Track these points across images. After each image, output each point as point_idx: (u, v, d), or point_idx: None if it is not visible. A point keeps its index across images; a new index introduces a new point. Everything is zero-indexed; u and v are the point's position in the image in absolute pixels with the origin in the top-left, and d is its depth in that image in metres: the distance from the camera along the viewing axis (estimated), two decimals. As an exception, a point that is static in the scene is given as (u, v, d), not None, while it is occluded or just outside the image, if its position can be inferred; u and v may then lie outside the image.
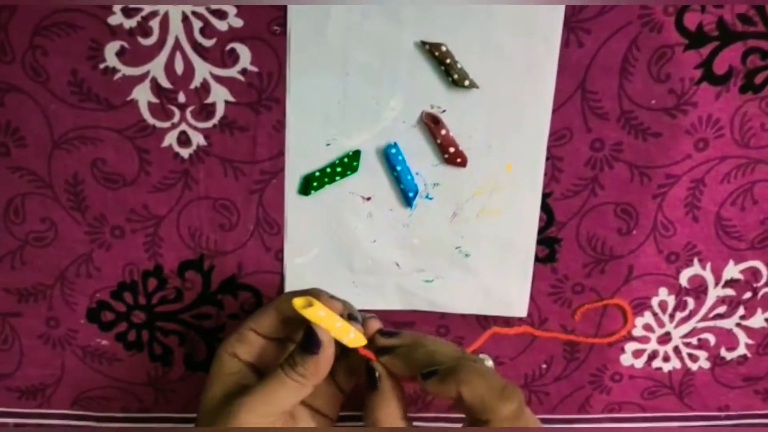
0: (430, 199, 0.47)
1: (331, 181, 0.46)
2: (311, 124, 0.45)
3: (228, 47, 0.44)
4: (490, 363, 0.44)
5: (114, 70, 0.44)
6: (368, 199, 0.47)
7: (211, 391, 0.40)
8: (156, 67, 0.44)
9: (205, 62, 0.44)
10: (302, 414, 0.42)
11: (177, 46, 0.43)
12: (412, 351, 0.39)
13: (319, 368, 0.38)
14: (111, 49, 0.43)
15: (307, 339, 0.38)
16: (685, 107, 0.46)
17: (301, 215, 0.47)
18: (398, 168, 0.46)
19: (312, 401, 0.42)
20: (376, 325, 0.41)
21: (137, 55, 0.44)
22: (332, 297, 0.41)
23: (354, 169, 0.46)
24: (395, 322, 0.51)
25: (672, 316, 0.51)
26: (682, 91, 0.45)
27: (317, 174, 0.46)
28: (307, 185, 0.46)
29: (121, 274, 0.49)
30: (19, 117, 0.45)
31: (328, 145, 0.46)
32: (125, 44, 0.43)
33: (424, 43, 0.44)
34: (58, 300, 0.49)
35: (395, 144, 0.46)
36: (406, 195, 0.47)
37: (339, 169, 0.46)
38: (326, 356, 0.38)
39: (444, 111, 0.46)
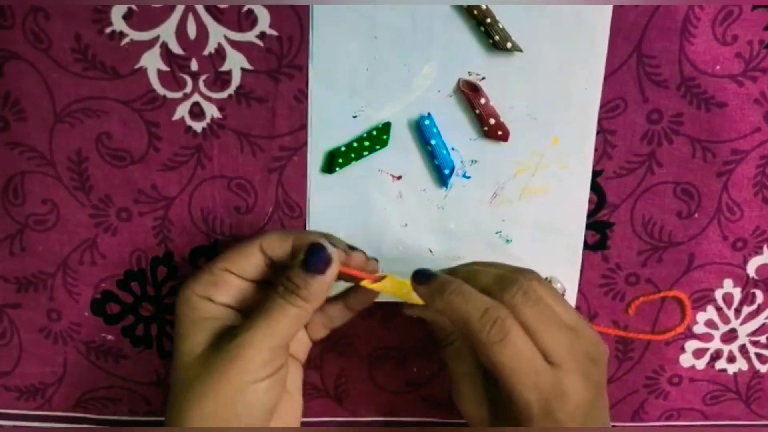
0: (468, 177, 0.44)
1: (358, 157, 0.43)
2: (336, 94, 0.43)
3: (245, 9, 0.41)
4: (558, 285, 0.41)
5: (121, 35, 0.42)
6: (399, 177, 0.44)
7: (190, 340, 0.37)
8: (166, 32, 0.42)
9: (220, 25, 0.41)
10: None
11: (189, 7, 0.41)
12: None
13: (324, 290, 0.36)
14: (118, 11, 0.41)
15: (314, 257, 0.36)
16: (753, 73, 0.43)
17: (324, 195, 0.44)
18: (433, 142, 0.43)
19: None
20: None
21: (146, 18, 0.41)
22: (350, 246, 0.39)
23: (383, 144, 0.43)
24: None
25: (738, 311, 0.48)
26: (751, 55, 0.42)
27: (342, 149, 0.43)
28: (332, 162, 0.43)
29: (127, 262, 0.46)
30: (18, 87, 0.42)
31: (354, 117, 0.43)
32: (133, 6, 0.41)
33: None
34: (60, 290, 0.47)
35: (429, 115, 0.43)
36: (441, 173, 0.44)
37: (367, 144, 0.43)
38: (332, 276, 0.36)
39: (483, 78, 0.43)
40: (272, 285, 0.37)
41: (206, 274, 0.38)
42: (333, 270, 0.36)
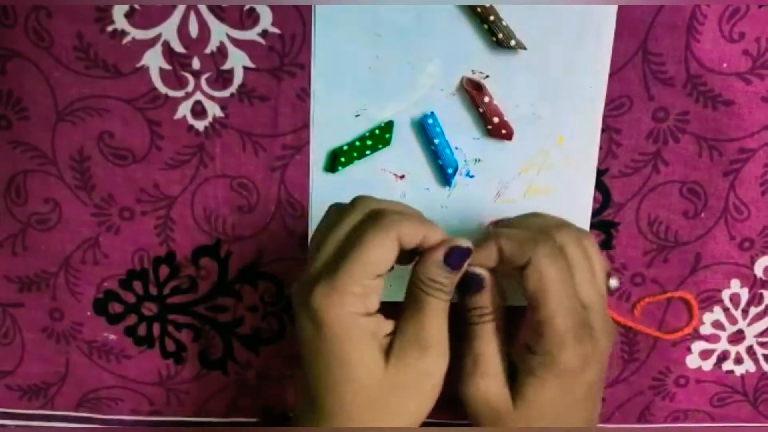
0: (471, 176, 0.44)
1: (361, 156, 0.43)
2: (339, 93, 0.42)
3: (247, 7, 0.41)
4: (613, 282, 0.40)
5: (123, 33, 0.41)
6: (402, 176, 0.44)
7: (366, 362, 0.34)
8: (168, 30, 0.41)
9: (222, 23, 0.41)
10: None
11: (191, 6, 0.41)
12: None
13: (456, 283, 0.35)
14: (120, 10, 0.41)
15: (455, 255, 0.34)
16: (761, 71, 0.42)
17: (327, 195, 0.44)
18: (436, 141, 0.42)
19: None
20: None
21: (148, 17, 0.41)
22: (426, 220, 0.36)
23: (386, 143, 0.43)
24: None
25: (745, 312, 0.47)
26: (758, 52, 0.42)
27: (345, 148, 0.43)
28: (334, 161, 0.43)
29: (130, 261, 0.46)
30: (20, 86, 0.42)
31: (357, 116, 0.43)
32: (135, 5, 0.41)
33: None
34: (62, 289, 0.46)
35: (432, 114, 0.42)
36: (445, 172, 0.43)
37: (369, 143, 0.43)
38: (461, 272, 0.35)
39: (487, 77, 0.42)
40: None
41: (351, 286, 0.33)
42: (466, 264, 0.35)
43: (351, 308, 0.33)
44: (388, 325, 0.35)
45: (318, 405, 0.35)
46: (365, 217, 0.34)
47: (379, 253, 0.33)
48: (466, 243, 0.35)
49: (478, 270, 0.36)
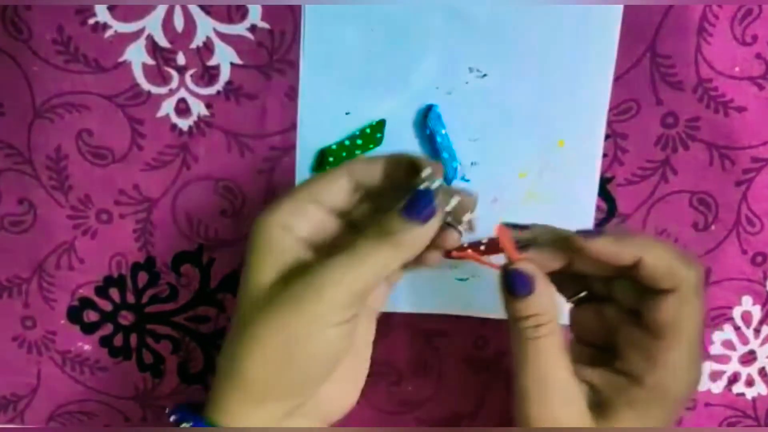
0: (467, 180, 0.42)
1: (350, 156, 0.41)
2: (328, 89, 0.41)
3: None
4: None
5: (105, 27, 0.40)
6: None
7: (260, 272, 0.33)
8: (152, 23, 0.40)
9: (209, 17, 0.40)
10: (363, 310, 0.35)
11: None
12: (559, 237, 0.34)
13: (421, 242, 0.32)
14: (102, 1, 0.40)
15: (418, 203, 0.31)
16: None
17: None
18: (443, 131, 0.41)
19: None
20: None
21: (131, 9, 0.40)
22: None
23: (377, 142, 0.41)
24: (425, 329, 0.45)
25: (757, 331, 0.46)
26: None
27: (334, 147, 0.41)
28: (322, 161, 0.42)
29: (107, 267, 0.44)
30: None
31: (347, 113, 0.41)
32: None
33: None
34: (35, 296, 0.44)
35: (435, 107, 0.41)
36: (448, 169, 0.41)
37: (360, 142, 0.41)
38: (433, 230, 0.32)
39: (485, 75, 0.41)
40: (356, 227, 0.34)
41: (287, 202, 0.34)
42: (435, 224, 0.32)
43: (276, 220, 0.33)
44: (311, 256, 0.34)
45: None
46: None
47: (324, 181, 0.34)
48: (437, 201, 0.31)
49: (526, 267, 0.33)
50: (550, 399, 0.33)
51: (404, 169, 0.33)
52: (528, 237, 0.34)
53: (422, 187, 0.32)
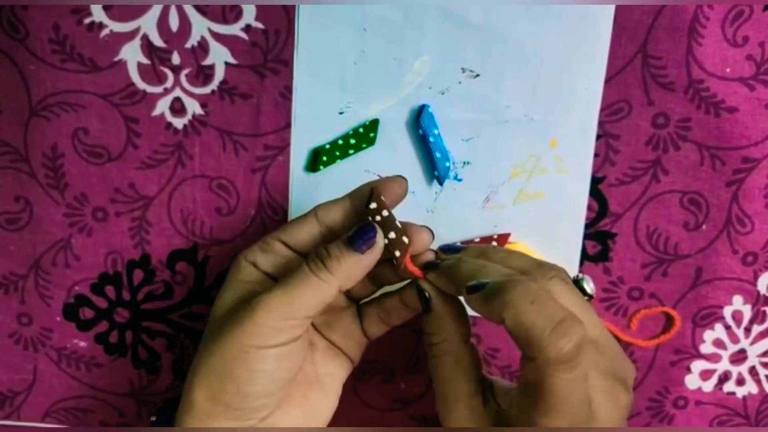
0: (459, 180, 0.42)
1: (344, 155, 0.41)
2: (322, 89, 0.41)
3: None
4: (590, 286, 0.37)
5: (101, 26, 0.40)
6: None
7: (223, 298, 0.36)
8: (148, 23, 0.40)
9: (204, 17, 0.40)
10: (321, 345, 0.38)
11: None
12: (459, 265, 0.34)
13: (357, 270, 0.34)
14: (98, 1, 0.40)
15: (360, 234, 0.34)
16: (766, 77, 0.41)
17: (306, 195, 0.42)
18: (435, 132, 0.41)
19: (335, 338, 0.38)
20: (428, 239, 0.35)
21: (127, 9, 0.40)
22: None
23: (371, 142, 0.41)
24: (418, 328, 0.44)
25: (748, 330, 0.45)
26: (763, 57, 0.40)
27: (327, 147, 0.41)
28: (316, 160, 0.41)
29: (102, 265, 0.44)
30: None
31: (341, 113, 0.41)
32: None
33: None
34: (31, 293, 0.45)
35: (428, 107, 0.41)
36: (441, 167, 0.41)
37: (353, 142, 0.41)
38: (371, 260, 0.34)
39: (477, 75, 0.40)
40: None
41: (260, 242, 0.37)
42: (373, 254, 0.34)
43: (246, 256, 0.36)
44: (268, 284, 0.35)
45: None
46: None
47: (296, 223, 0.36)
48: (379, 235, 0.34)
49: (424, 285, 0.34)
50: (452, 412, 0.34)
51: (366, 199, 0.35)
52: (449, 261, 0.34)
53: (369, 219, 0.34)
